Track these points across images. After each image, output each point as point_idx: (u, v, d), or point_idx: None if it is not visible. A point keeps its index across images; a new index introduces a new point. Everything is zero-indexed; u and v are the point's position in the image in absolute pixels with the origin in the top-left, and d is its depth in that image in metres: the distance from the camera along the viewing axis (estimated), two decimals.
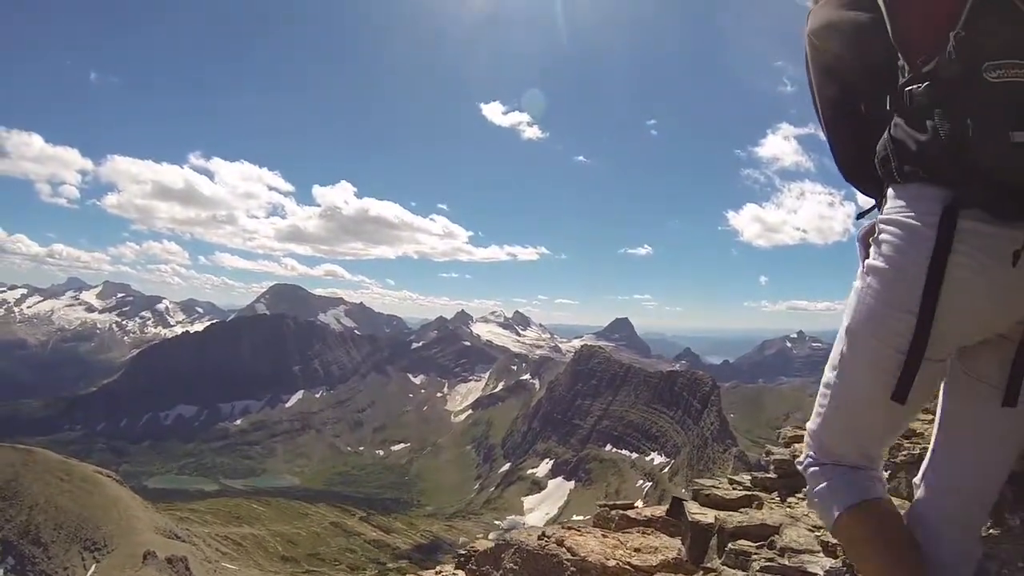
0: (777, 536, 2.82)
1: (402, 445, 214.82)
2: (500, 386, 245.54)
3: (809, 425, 2.01)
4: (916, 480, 1.99)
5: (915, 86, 1.62)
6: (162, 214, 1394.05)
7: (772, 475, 3.85)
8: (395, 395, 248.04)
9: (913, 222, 1.61)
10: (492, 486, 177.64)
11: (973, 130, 1.49)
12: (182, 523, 75.06)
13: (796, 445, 3.96)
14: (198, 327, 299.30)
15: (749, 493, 3.65)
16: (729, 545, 2.90)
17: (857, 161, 1.92)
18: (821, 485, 1.93)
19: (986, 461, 1.83)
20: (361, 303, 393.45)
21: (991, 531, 2.19)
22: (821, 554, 2.56)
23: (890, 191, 1.72)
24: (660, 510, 4.43)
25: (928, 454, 1.96)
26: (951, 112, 1.53)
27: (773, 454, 4.14)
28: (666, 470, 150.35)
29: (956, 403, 1.86)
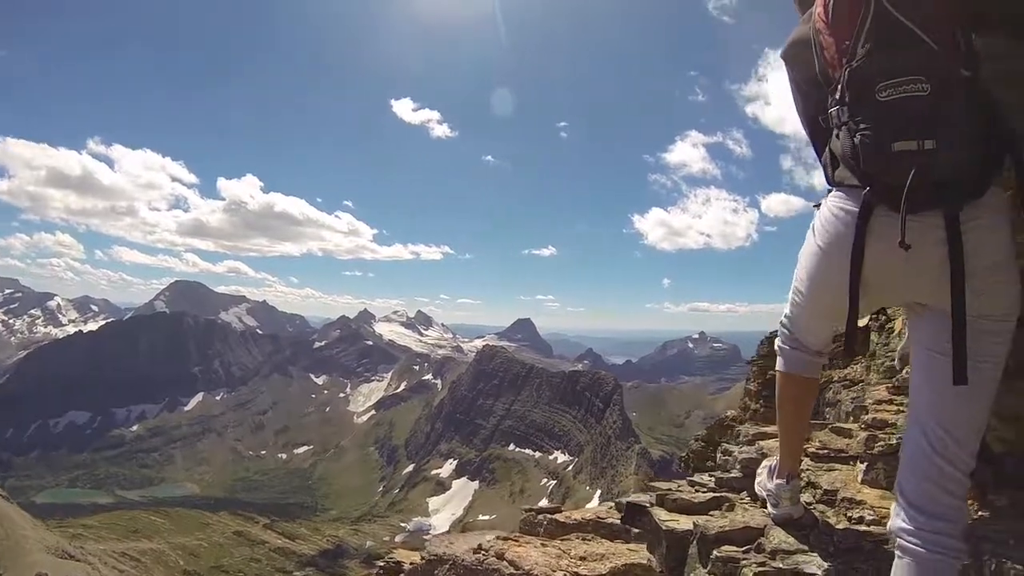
0: (763, 538, 2.79)
1: (305, 448, 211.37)
2: (402, 386, 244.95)
3: (785, 308, 2.57)
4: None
5: (832, 108, 2.04)
6: (56, 203, 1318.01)
7: (738, 474, 3.75)
8: (297, 396, 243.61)
9: (844, 213, 2.03)
10: (396, 488, 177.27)
11: (863, 143, 1.88)
12: (75, 540, 71.16)
13: (760, 443, 4.05)
14: (92, 326, 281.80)
15: (716, 495, 3.54)
16: (714, 552, 2.79)
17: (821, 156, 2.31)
18: (784, 345, 2.59)
19: (943, 418, 2.03)
20: (264, 301, 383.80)
21: (980, 513, 2.35)
22: (815, 553, 2.57)
23: (832, 190, 2.14)
24: (590, 512, 4.31)
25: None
26: (850, 128, 1.92)
27: (732, 453, 4.15)
28: (570, 468, 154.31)
29: (916, 375, 2.16)
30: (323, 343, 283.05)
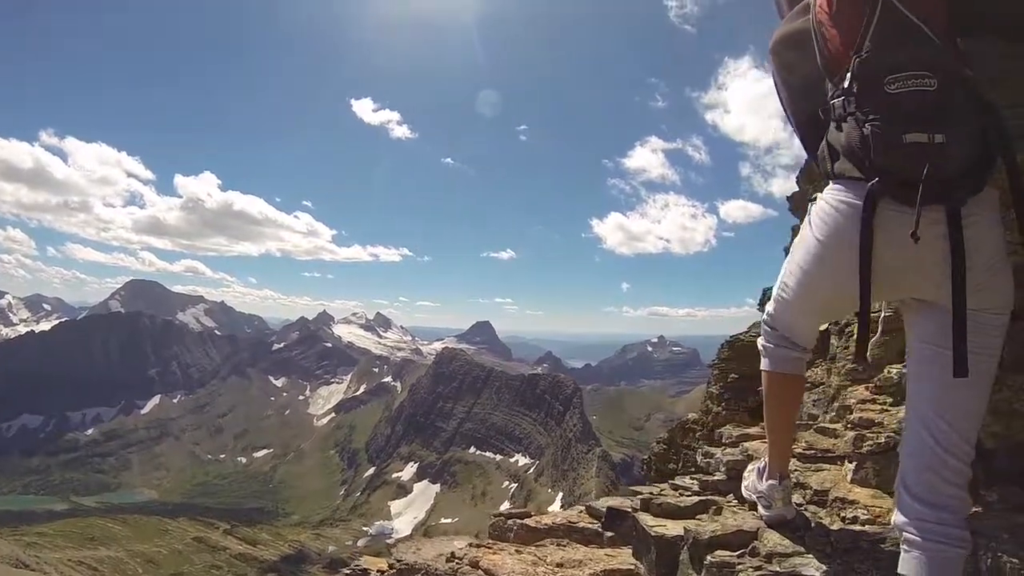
0: (757, 542, 2.73)
1: (264, 451, 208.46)
2: (362, 388, 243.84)
3: (768, 307, 2.58)
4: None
5: (836, 99, 2.06)
6: (6, 197, 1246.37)
7: (722, 477, 3.75)
8: (256, 399, 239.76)
9: (845, 206, 2.03)
10: (358, 491, 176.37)
11: (874, 134, 1.90)
12: (30, 549, 69.83)
13: (744, 444, 4.07)
14: (45, 326, 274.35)
15: (702, 498, 3.48)
16: (708, 558, 2.73)
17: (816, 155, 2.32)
18: (769, 344, 2.59)
19: (944, 409, 2.06)
20: (222, 302, 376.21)
21: (973, 508, 2.29)
22: (811, 555, 2.55)
23: (829, 183, 2.15)
24: (561, 517, 4.21)
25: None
26: (858, 119, 1.95)
27: (714, 456, 4.13)
28: (531, 471, 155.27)
29: (915, 370, 2.19)
30: (282, 345, 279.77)
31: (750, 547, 2.70)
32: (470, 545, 3.84)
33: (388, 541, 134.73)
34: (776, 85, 2.50)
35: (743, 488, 3.19)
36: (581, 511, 4.20)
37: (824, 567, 2.45)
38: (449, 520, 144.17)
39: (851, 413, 3.59)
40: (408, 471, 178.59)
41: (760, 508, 2.88)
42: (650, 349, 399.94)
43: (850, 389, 4.05)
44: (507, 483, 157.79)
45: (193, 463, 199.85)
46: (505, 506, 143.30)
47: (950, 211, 1.89)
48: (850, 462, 3.27)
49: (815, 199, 2.21)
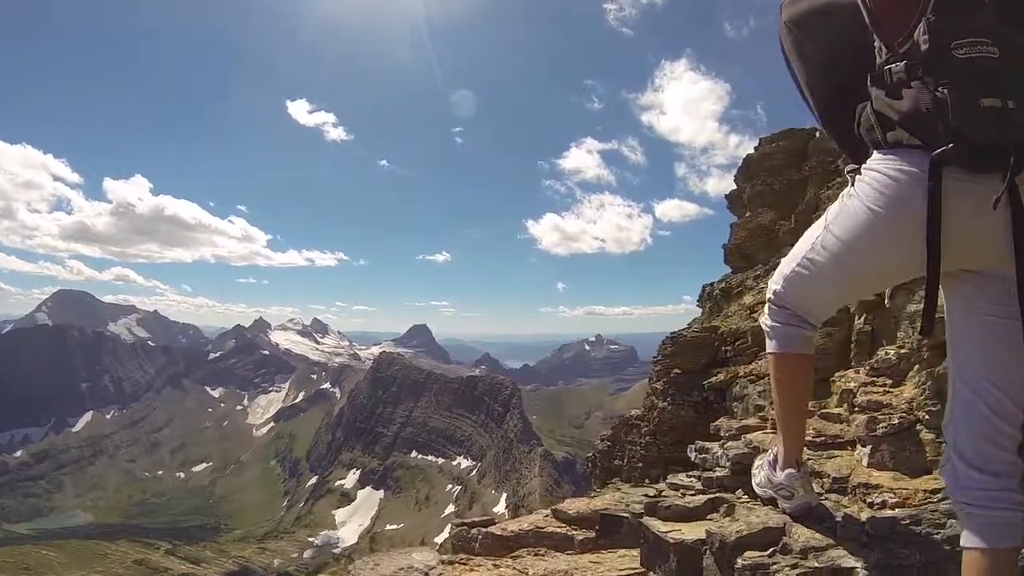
0: (787, 538, 2.56)
1: (203, 465, 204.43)
2: (301, 396, 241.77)
3: (774, 285, 2.57)
4: (945, 423, 2.18)
5: (893, 64, 1.95)
6: None
7: (726, 473, 3.54)
8: (193, 411, 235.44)
9: (904, 175, 1.93)
10: (301, 501, 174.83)
11: (949, 99, 1.80)
12: None
13: (746, 436, 3.89)
14: None
15: (709, 497, 3.25)
16: (739, 561, 2.50)
17: (843, 134, 2.27)
18: (774, 323, 2.55)
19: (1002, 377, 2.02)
20: (155, 311, 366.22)
21: None
22: (847, 546, 2.43)
23: (876, 153, 2.06)
24: (527, 523, 3.95)
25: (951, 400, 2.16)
26: (928, 85, 1.85)
27: (711, 451, 4.03)
28: (474, 473, 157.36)
29: (963, 341, 2.12)
30: (218, 354, 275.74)
31: (781, 544, 2.57)
32: (442, 563, 3.47)
33: (335, 551, 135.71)
34: (791, 60, 2.42)
35: (755, 485, 3.08)
36: (547, 515, 4.01)
37: (862, 557, 2.37)
38: (394, 527, 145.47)
39: (854, 397, 3.67)
40: (351, 478, 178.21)
41: (781, 501, 2.82)
42: (587, 348, 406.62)
43: (851, 373, 4.09)
44: (450, 486, 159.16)
45: (130, 481, 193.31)
46: (450, 509, 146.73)
47: (1009, 178, 1.84)
48: (863, 446, 3.29)
49: (858, 172, 2.14)
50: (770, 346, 2.59)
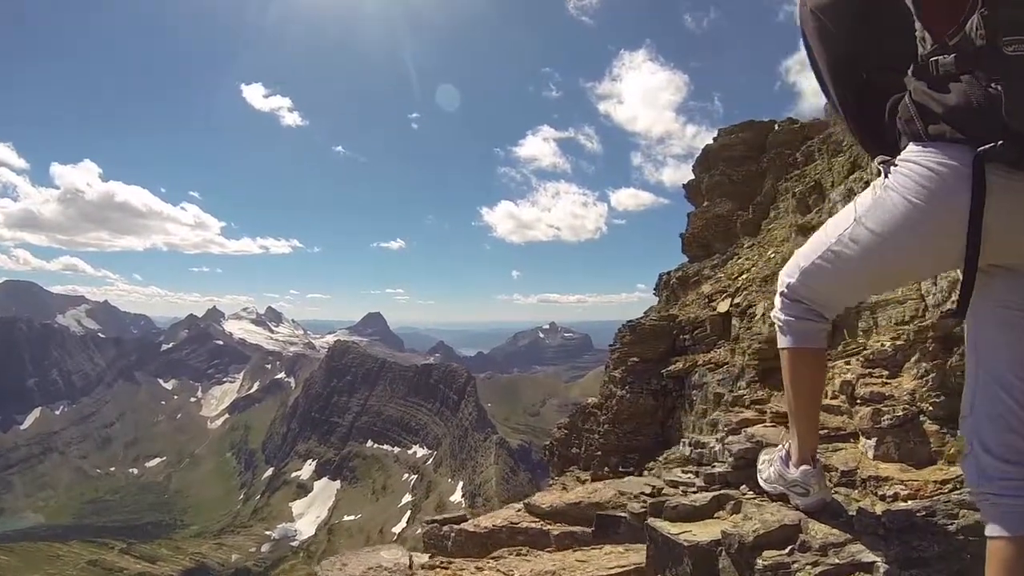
0: (804, 535, 2.51)
1: (157, 460, 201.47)
2: (255, 386, 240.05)
3: (787, 279, 2.55)
4: (964, 413, 2.15)
5: (941, 56, 1.88)
6: None
7: (727, 468, 3.45)
8: (145, 404, 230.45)
9: (946, 168, 1.88)
10: (257, 494, 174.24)
11: (1004, 96, 1.75)
12: None
13: (748, 430, 3.76)
14: None
15: (713, 494, 3.16)
16: (759, 561, 2.43)
17: (866, 125, 2.26)
18: (788, 317, 2.54)
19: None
20: (105, 301, 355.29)
21: None
22: (859, 543, 2.39)
23: (912, 145, 2.00)
24: (500, 519, 3.88)
25: (969, 394, 2.13)
26: (979, 80, 1.80)
27: (708, 444, 3.94)
28: (429, 462, 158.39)
29: (991, 335, 2.08)
30: (171, 345, 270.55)
31: (799, 542, 2.50)
32: (422, 567, 3.41)
33: (293, 544, 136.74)
34: (813, 47, 2.36)
35: (762, 481, 3.08)
36: (520, 510, 4.00)
37: (881, 551, 2.35)
38: (352, 517, 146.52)
39: (854, 389, 3.67)
40: (307, 469, 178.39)
41: (794, 498, 2.80)
42: (542, 336, 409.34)
43: (847, 366, 4.08)
44: (407, 475, 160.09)
45: (81, 479, 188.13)
46: (407, 499, 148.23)
47: None
48: (868, 438, 3.28)
49: (893, 164, 2.08)
50: (785, 341, 2.60)
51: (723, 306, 11.86)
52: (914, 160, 1.99)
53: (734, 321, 11.08)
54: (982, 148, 1.81)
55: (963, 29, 1.84)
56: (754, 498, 3.04)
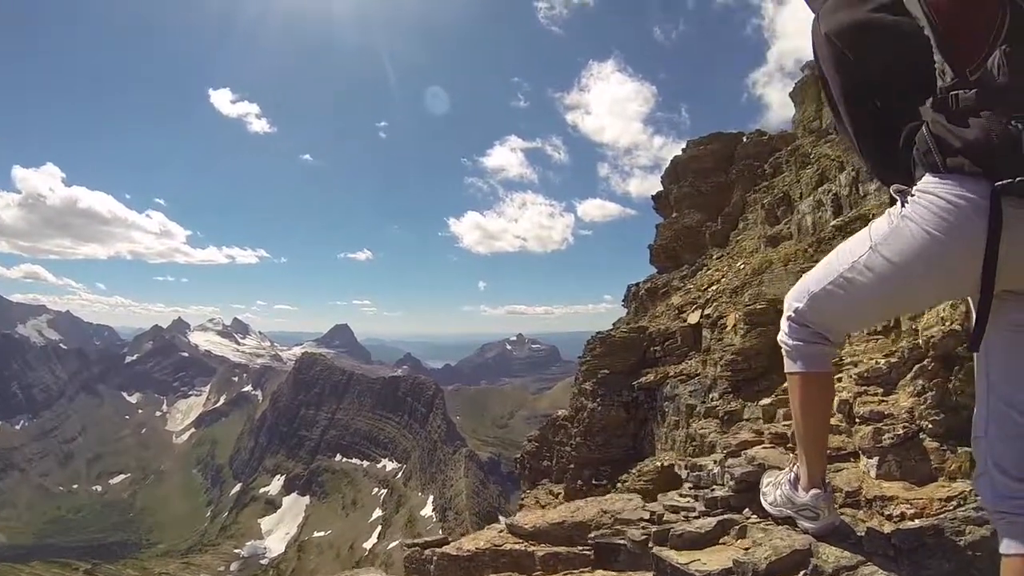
0: (815, 559, 2.52)
1: (122, 476, 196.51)
2: (222, 400, 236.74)
3: (795, 303, 2.57)
4: (978, 434, 2.20)
5: (962, 91, 1.92)
6: None
7: (728, 492, 3.37)
8: (109, 418, 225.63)
9: (964, 201, 1.92)
10: (225, 511, 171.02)
11: (1023, 131, 1.82)
12: None
13: (748, 452, 3.78)
14: None
15: (717, 519, 3.11)
16: None
17: (877, 152, 2.26)
18: (797, 341, 2.56)
19: None
20: (67, 311, 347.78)
21: None
22: (871, 564, 2.41)
23: (928, 176, 2.04)
24: (482, 540, 3.78)
25: (982, 419, 2.19)
26: (999, 116, 1.86)
27: (706, 467, 3.85)
28: (399, 476, 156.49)
29: (1003, 357, 2.14)
30: (135, 357, 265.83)
31: (811, 566, 2.52)
32: None
33: (262, 562, 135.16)
34: (828, 73, 2.33)
35: (767, 504, 3.08)
36: (502, 531, 3.93)
37: (894, 571, 2.37)
38: (322, 533, 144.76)
39: (852, 408, 3.69)
40: (275, 485, 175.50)
41: (803, 522, 2.81)
42: (509, 347, 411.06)
43: (841, 385, 4.07)
44: (376, 489, 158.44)
45: (43, 497, 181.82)
46: (377, 513, 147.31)
47: None
48: (869, 457, 3.31)
49: (910, 194, 2.12)
50: (794, 367, 2.62)
51: (693, 317, 12.31)
52: (932, 192, 2.01)
53: (704, 332, 11.36)
54: (1000, 183, 1.86)
55: (984, 64, 1.89)
56: (759, 522, 3.06)
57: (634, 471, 10.98)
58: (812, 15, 2.42)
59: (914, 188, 2.10)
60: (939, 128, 1.99)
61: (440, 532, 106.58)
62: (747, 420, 7.99)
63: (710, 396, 9.81)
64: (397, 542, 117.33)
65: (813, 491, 2.71)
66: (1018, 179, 1.84)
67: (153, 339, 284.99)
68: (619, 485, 11.08)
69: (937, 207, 2.00)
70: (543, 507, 11.97)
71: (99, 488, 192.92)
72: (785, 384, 6.79)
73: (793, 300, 2.59)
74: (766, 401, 7.49)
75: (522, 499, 14.75)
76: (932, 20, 1.99)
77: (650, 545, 3.18)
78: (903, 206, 2.14)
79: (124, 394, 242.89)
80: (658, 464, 10.31)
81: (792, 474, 2.88)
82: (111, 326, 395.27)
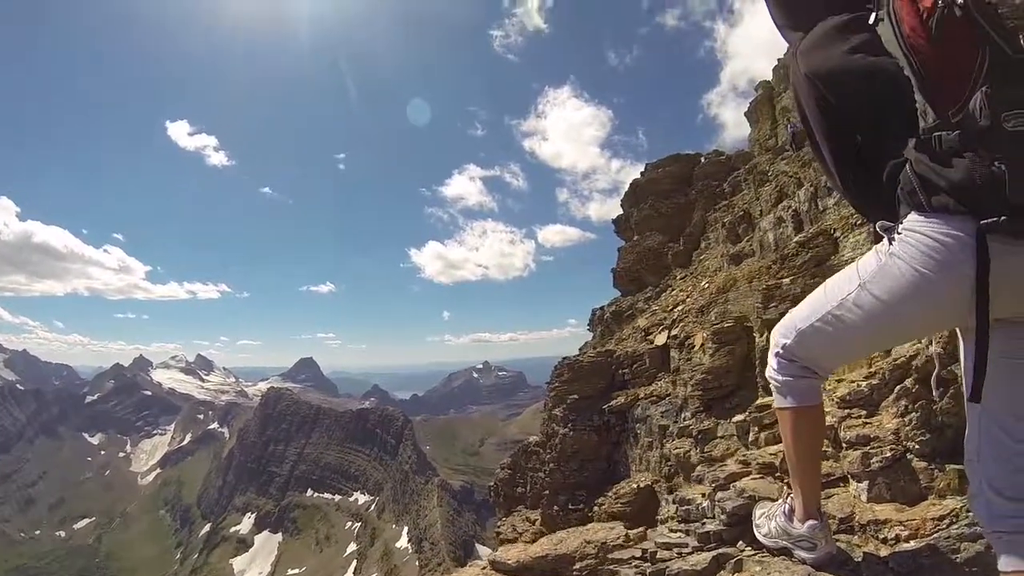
0: None
1: (86, 521, 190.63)
2: (187, 438, 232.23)
3: (782, 340, 2.60)
4: (971, 456, 2.25)
5: (944, 132, 1.96)
6: None
7: (720, 526, 3.31)
8: (70, 461, 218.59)
9: (952, 240, 1.97)
10: (195, 552, 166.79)
11: (1008, 175, 1.86)
12: None
13: (736, 484, 3.67)
14: None
15: (711, 553, 3.07)
16: None
17: (858, 187, 2.31)
18: (787, 377, 2.60)
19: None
20: (24, 350, 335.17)
21: None
22: None
23: (914, 215, 2.07)
24: None
25: (975, 442, 2.23)
26: (982, 156, 1.89)
27: (693, 501, 3.80)
28: (372, 508, 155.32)
29: (995, 383, 2.14)
30: (96, 396, 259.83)
31: None
32: None
33: None
34: (808, 112, 2.37)
35: (761, 536, 3.06)
36: (484, 567, 3.88)
37: None
38: (296, 570, 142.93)
39: (837, 432, 3.69)
40: (246, 523, 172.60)
41: (800, 552, 2.82)
42: (476, 375, 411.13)
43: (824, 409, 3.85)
44: (350, 523, 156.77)
45: (4, 545, 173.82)
46: (351, 548, 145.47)
47: None
48: (859, 481, 3.34)
49: (896, 231, 2.15)
50: (784, 402, 2.66)
51: (660, 339, 12.21)
52: (919, 230, 2.05)
53: (673, 353, 11.25)
54: (985, 221, 1.91)
55: (966, 107, 1.92)
56: (753, 554, 3.04)
57: (611, 494, 10.84)
58: (788, 45, 2.50)
59: (900, 226, 2.13)
60: (923, 168, 2.02)
61: (417, 563, 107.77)
62: (721, 437, 8.10)
63: (682, 416, 9.84)
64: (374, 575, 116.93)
65: (810, 522, 2.77)
66: (1002, 218, 1.88)
67: (114, 378, 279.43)
68: (596, 509, 10.93)
69: (925, 245, 2.04)
70: (520, 534, 12.94)
71: (63, 534, 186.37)
72: (757, 401, 7.34)
73: (780, 336, 2.63)
74: (739, 418, 7.54)
75: (498, 527, 14.62)
76: (912, 62, 2.03)
77: None
78: (890, 243, 2.18)
79: (86, 435, 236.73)
80: (634, 486, 10.30)
81: (787, 506, 2.94)
82: (70, 365, 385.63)
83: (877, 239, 2.29)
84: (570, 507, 11.80)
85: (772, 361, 2.66)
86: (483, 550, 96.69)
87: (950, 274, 2.02)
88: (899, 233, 2.13)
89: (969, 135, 1.92)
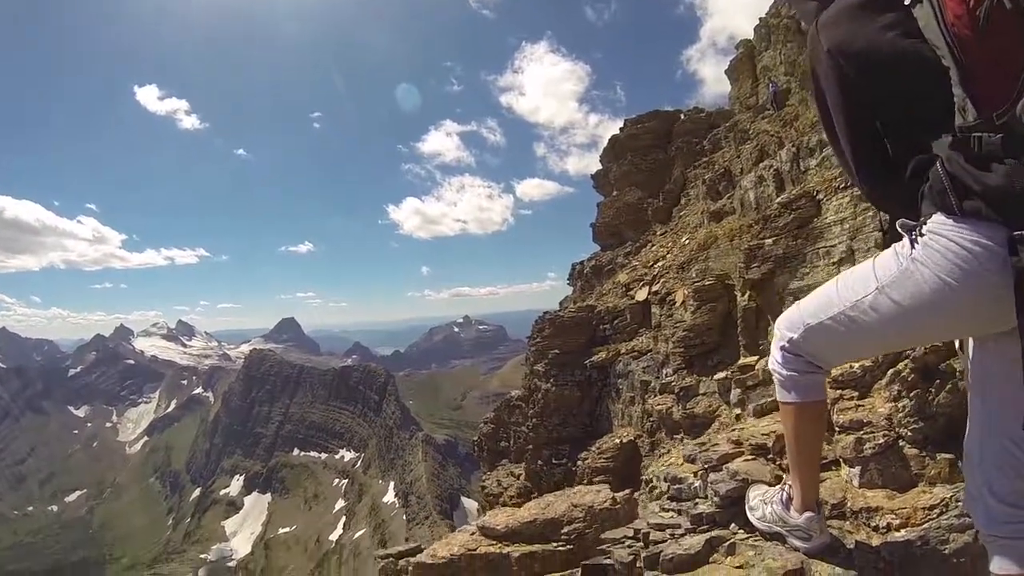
0: None
1: (77, 493, 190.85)
2: (173, 405, 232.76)
3: (788, 333, 2.51)
4: (970, 450, 2.21)
5: (986, 134, 1.79)
6: None
7: (713, 508, 3.26)
8: (58, 435, 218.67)
9: (981, 248, 1.84)
10: (187, 517, 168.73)
11: None
12: None
13: (729, 466, 3.52)
14: None
15: (704, 536, 3.02)
16: None
17: (875, 178, 2.14)
18: (791, 372, 2.52)
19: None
20: (3, 328, 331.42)
21: None
22: None
23: (941, 217, 1.93)
24: (456, 546, 3.73)
25: (975, 438, 2.18)
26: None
27: (686, 481, 3.73)
28: (358, 465, 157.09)
29: (1000, 390, 2.09)
30: (79, 369, 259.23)
31: None
32: None
33: (230, 564, 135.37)
34: (826, 88, 2.15)
35: (755, 519, 3.05)
36: (474, 533, 3.82)
37: None
38: (287, 529, 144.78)
39: (830, 416, 3.60)
40: (235, 485, 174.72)
41: (796, 541, 2.82)
42: (457, 330, 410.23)
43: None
44: (337, 480, 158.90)
45: None
46: (340, 504, 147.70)
47: None
48: (851, 467, 3.31)
49: (920, 234, 2.01)
50: (787, 397, 2.59)
51: (641, 294, 12.40)
52: (947, 235, 1.93)
53: (654, 309, 11.27)
54: (1019, 232, 1.77)
55: (1013, 108, 1.77)
56: (747, 538, 3.03)
57: (593, 448, 11.04)
58: (796, 13, 2.34)
59: (924, 228, 2.01)
60: (956, 168, 1.88)
61: (404, 518, 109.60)
62: (703, 395, 8.36)
63: (664, 372, 9.93)
64: (363, 531, 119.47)
65: (807, 514, 2.75)
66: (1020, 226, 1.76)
67: (96, 349, 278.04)
68: (580, 463, 11.13)
69: (952, 252, 1.92)
70: (504, 489, 13.23)
71: (55, 508, 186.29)
72: (740, 361, 7.57)
73: (786, 330, 2.55)
74: (721, 375, 7.79)
75: (483, 481, 14.68)
76: (955, 52, 1.86)
77: (639, 565, 3.22)
78: (912, 245, 2.06)
79: (71, 408, 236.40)
80: (617, 441, 10.49)
81: (784, 493, 2.91)
82: (51, 339, 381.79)
83: (894, 237, 2.17)
84: (554, 461, 12.19)
85: (776, 355, 2.61)
86: (469, 503, 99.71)
87: (975, 284, 1.91)
88: (923, 235, 2.01)
89: (1015, 141, 1.77)
